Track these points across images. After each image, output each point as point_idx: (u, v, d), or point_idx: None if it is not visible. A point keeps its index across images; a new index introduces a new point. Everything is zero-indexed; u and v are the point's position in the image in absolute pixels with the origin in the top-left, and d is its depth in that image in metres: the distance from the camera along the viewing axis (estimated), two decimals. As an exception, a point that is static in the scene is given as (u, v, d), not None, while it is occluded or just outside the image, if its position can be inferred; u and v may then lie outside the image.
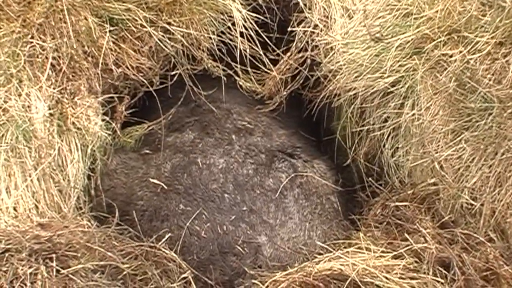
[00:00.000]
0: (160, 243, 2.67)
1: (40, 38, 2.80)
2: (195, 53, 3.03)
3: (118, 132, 2.98)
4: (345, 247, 2.71)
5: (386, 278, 2.47)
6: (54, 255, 2.48)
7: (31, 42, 2.79)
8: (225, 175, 2.88)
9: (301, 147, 3.14)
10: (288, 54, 3.15)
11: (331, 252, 2.68)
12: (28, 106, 2.75)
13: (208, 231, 2.76)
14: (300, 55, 3.12)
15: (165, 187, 2.85)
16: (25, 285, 2.37)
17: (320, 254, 2.73)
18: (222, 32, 3.03)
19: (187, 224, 2.76)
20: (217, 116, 3.14)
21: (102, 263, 2.54)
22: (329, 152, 3.34)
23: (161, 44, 2.92)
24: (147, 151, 3.01)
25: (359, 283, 2.46)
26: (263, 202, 2.85)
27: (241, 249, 2.74)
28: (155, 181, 2.87)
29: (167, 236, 2.72)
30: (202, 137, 3.02)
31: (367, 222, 2.85)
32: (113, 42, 2.88)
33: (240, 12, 2.98)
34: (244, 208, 2.82)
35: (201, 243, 2.75)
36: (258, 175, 2.91)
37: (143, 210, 2.86)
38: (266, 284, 2.57)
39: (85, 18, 2.81)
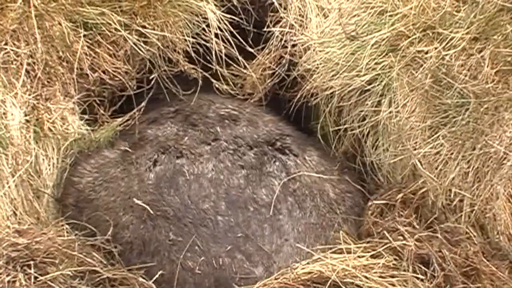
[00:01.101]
0: (151, 281, 2.56)
1: (14, 44, 2.79)
2: (171, 56, 3.01)
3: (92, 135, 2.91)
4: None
5: (366, 277, 2.48)
6: (32, 262, 2.47)
7: (5, 49, 2.78)
8: (216, 190, 2.70)
9: (289, 135, 3.00)
10: (264, 53, 3.13)
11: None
12: (4, 113, 2.74)
13: (202, 266, 2.58)
14: (275, 54, 3.10)
15: (152, 212, 2.63)
16: None
17: None
18: (198, 34, 3.02)
19: (180, 258, 2.58)
20: (199, 104, 3.03)
21: (81, 268, 2.53)
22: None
23: (136, 48, 2.91)
24: (127, 148, 2.85)
25: (340, 283, 2.47)
26: (258, 223, 2.68)
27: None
28: (140, 203, 2.65)
29: (158, 274, 2.58)
30: (186, 130, 2.88)
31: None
32: (88, 47, 2.87)
33: (215, 13, 2.97)
34: (239, 235, 2.64)
35: (195, 280, 2.59)
36: (250, 186, 2.74)
37: (130, 242, 2.65)
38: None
39: (59, 23, 2.80)
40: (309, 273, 2.54)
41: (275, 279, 2.54)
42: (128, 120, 2.95)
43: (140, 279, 2.56)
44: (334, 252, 2.65)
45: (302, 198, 2.78)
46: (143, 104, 2.96)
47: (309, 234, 2.73)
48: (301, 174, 2.83)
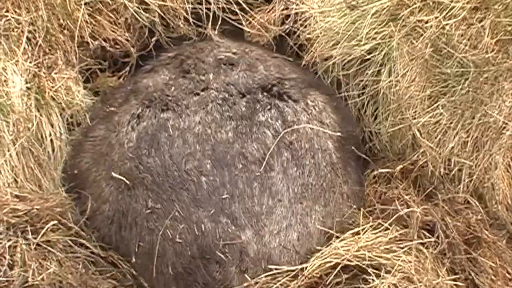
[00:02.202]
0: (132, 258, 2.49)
1: (15, 11, 2.78)
2: (172, 22, 2.99)
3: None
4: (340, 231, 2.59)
5: (377, 256, 2.45)
6: (32, 228, 2.48)
7: (6, 16, 2.76)
8: (202, 146, 2.48)
9: (292, 78, 2.78)
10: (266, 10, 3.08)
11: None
12: (5, 81, 2.73)
13: (183, 234, 2.41)
14: (278, 13, 3.05)
15: (128, 182, 2.48)
16: (4, 258, 2.39)
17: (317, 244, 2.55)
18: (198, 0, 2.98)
19: (159, 227, 2.44)
20: (201, 47, 2.87)
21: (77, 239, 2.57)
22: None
23: (137, 15, 2.89)
24: (112, 108, 2.70)
25: (356, 269, 2.45)
26: (246, 181, 2.46)
27: (222, 255, 2.40)
28: (117, 176, 2.49)
29: (137, 248, 2.48)
30: (176, 78, 2.70)
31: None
32: (89, 15, 2.86)
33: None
34: (224, 196, 2.43)
35: (176, 250, 2.42)
36: (239, 139, 2.52)
37: (110, 218, 2.54)
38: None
39: None
40: (319, 266, 2.45)
41: (283, 276, 2.44)
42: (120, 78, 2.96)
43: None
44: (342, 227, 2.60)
45: (300, 153, 2.56)
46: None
47: (307, 196, 2.52)
48: (300, 128, 2.61)
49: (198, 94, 2.61)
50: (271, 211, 2.45)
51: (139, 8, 2.90)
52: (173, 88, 2.64)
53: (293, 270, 2.44)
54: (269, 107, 2.60)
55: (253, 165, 2.48)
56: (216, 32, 2.99)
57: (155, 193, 2.45)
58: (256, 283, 2.40)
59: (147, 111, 2.59)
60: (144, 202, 2.45)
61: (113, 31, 2.92)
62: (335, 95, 2.90)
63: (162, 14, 2.95)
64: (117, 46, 2.94)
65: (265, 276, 2.42)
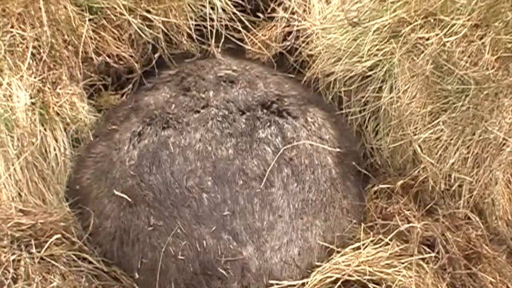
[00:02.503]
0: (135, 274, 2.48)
1: (20, 27, 2.78)
2: (175, 38, 2.99)
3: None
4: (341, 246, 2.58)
5: (378, 271, 2.46)
6: (36, 242, 2.47)
7: (11, 32, 2.77)
8: (203, 163, 2.46)
9: (291, 96, 2.75)
10: (268, 27, 3.09)
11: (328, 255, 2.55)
12: (10, 96, 2.73)
13: (185, 250, 2.39)
14: (280, 30, 3.05)
15: (130, 200, 2.46)
16: (8, 271, 2.37)
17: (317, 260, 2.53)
18: (202, 17, 2.98)
19: (162, 243, 2.42)
20: (202, 65, 2.84)
21: (80, 254, 2.56)
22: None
23: (141, 32, 2.90)
24: (114, 126, 2.66)
25: (357, 284, 2.45)
26: (247, 197, 2.44)
27: (224, 272, 2.37)
28: (119, 193, 2.47)
29: (139, 264, 2.46)
30: (177, 95, 2.67)
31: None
32: (93, 31, 2.86)
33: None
34: (226, 212, 2.41)
35: (179, 266, 2.40)
36: (240, 156, 2.49)
37: (112, 234, 2.52)
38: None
39: (64, 7, 2.79)
40: (321, 281, 2.44)
41: None
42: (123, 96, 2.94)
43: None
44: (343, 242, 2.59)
45: (300, 169, 2.53)
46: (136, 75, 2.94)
47: (308, 212, 2.50)
48: (300, 144, 2.59)
49: (198, 111, 2.59)
50: (272, 226, 2.44)
51: (142, 25, 2.91)
52: (173, 105, 2.62)
53: (294, 285, 2.43)
54: (268, 124, 2.58)
55: (253, 181, 2.46)
56: (219, 49, 2.99)
57: (157, 210, 2.43)
58: None
59: (148, 129, 2.56)
60: (146, 219, 2.44)
61: (117, 47, 2.91)
62: (335, 111, 2.88)
63: (166, 31, 2.96)
64: (121, 62, 2.94)
65: None
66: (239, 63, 2.85)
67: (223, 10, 2.96)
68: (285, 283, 2.42)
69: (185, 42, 3.01)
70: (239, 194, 2.43)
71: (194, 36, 3.01)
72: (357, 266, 2.45)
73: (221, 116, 2.56)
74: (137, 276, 2.46)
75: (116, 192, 2.48)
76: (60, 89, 2.83)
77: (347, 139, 2.81)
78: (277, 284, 2.41)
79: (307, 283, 2.44)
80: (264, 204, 2.44)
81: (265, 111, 2.61)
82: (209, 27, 2.98)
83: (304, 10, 3.02)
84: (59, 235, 2.53)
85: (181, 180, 2.43)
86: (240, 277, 2.39)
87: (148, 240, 2.42)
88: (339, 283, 2.43)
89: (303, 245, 2.48)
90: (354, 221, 2.65)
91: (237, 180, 2.44)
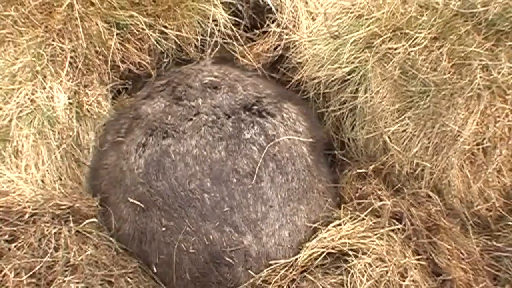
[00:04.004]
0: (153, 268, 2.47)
1: (59, 41, 2.79)
2: (186, 49, 2.97)
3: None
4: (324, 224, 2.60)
5: (358, 242, 2.48)
6: (73, 218, 2.49)
7: (52, 45, 2.78)
8: (201, 167, 2.42)
9: (267, 95, 2.67)
10: (262, 40, 3.08)
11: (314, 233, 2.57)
12: (51, 97, 2.76)
13: (195, 244, 2.37)
14: (272, 42, 3.04)
15: (142, 206, 2.44)
16: (51, 242, 2.40)
17: (305, 239, 2.56)
18: (206, 31, 2.97)
19: (174, 241, 2.40)
20: (188, 73, 2.74)
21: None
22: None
23: (157, 45, 2.90)
24: (120, 138, 2.61)
25: (339, 254, 2.48)
26: (241, 194, 2.41)
27: (230, 260, 2.38)
28: (133, 201, 2.44)
29: (157, 259, 2.45)
30: (171, 105, 2.59)
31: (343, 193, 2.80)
32: (119, 43, 2.86)
33: (222, 15, 2.94)
34: (226, 209, 2.38)
35: (191, 258, 2.39)
36: (231, 157, 2.44)
37: (131, 235, 2.50)
38: None
39: (96, 24, 2.78)
40: (310, 256, 2.46)
41: (280, 269, 2.44)
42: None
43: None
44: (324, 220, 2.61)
45: (283, 163, 2.50)
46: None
47: (293, 198, 2.49)
48: (280, 141, 2.54)
49: (191, 119, 2.53)
50: (265, 216, 2.42)
51: (159, 37, 2.90)
52: (170, 116, 2.54)
53: (289, 262, 2.45)
54: (252, 124, 2.52)
55: (245, 178, 2.42)
56: (211, 56, 3.00)
57: (167, 212, 2.40)
58: (260, 277, 2.42)
59: (150, 139, 2.51)
60: (158, 221, 2.41)
61: (138, 56, 2.91)
62: (304, 104, 2.86)
63: (178, 42, 2.94)
64: (141, 68, 2.94)
65: (267, 271, 2.42)
66: (219, 69, 2.79)
67: (224, 26, 2.95)
68: (282, 261, 2.44)
69: (192, 51, 2.99)
70: (234, 191, 2.40)
71: (199, 47, 3.02)
72: (339, 240, 2.47)
73: (211, 122, 2.51)
74: (155, 270, 2.45)
75: (130, 200, 2.45)
76: (90, 90, 2.85)
77: (315, 127, 2.78)
78: (274, 263, 2.43)
79: (298, 258, 2.46)
80: (256, 198, 2.41)
81: (247, 113, 2.55)
82: (208, 40, 2.99)
83: (294, 26, 3.01)
84: (94, 219, 2.56)
85: (185, 184, 2.40)
86: (243, 262, 2.39)
87: (163, 239, 2.40)
88: (324, 254, 2.45)
89: (292, 228, 2.48)
90: (330, 200, 2.65)
91: (232, 179, 2.41)
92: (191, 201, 2.37)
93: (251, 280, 2.40)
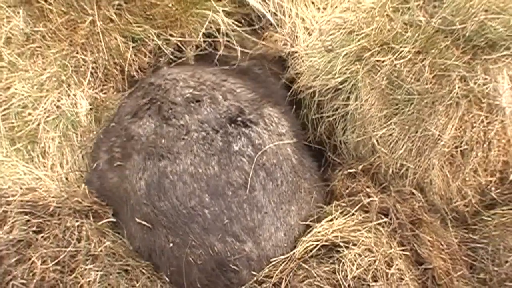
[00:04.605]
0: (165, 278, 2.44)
1: (82, 53, 2.80)
2: (187, 53, 2.96)
3: None
4: (318, 220, 2.58)
5: (349, 235, 2.47)
6: (93, 214, 2.51)
7: (76, 57, 2.80)
8: (198, 184, 2.34)
9: (247, 100, 2.54)
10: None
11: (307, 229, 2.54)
12: (75, 104, 2.78)
13: (201, 256, 2.33)
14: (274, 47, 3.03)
15: (149, 225, 2.38)
16: (74, 234, 2.41)
17: (299, 234, 2.53)
18: (209, 36, 2.96)
19: (182, 255, 2.36)
20: (165, 88, 2.54)
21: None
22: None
23: (166, 51, 2.89)
24: (119, 163, 2.49)
25: (331, 246, 2.47)
26: (237, 205, 2.34)
27: (235, 266, 2.34)
28: (140, 221, 2.39)
29: (168, 271, 2.41)
30: (161, 126, 2.44)
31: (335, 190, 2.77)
32: (134, 54, 2.86)
33: (224, 22, 2.92)
34: (225, 221, 2.32)
35: (199, 268, 2.35)
36: (224, 171, 2.36)
37: (142, 251, 2.46)
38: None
39: (115, 38, 2.79)
40: (306, 249, 2.44)
41: (279, 264, 2.42)
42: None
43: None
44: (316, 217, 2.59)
45: (272, 170, 2.42)
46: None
47: (284, 201, 2.44)
48: (266, 147, 2.45)
49: (183, 139, 2.40)
50: (261, 222, 2.38)
51: (167, 45, 2.89)
52: (163, 139, 2.41)
53: (287, 257, 2.44)
54: (239, 136, 2.42)
55: (239, 190, 2.35)
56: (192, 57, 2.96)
57: (172, 230, 2.34)
58: (262, 274, 2.41)
59: (148, 163, 2.39)
60: (165, 238, 2.36)
61: (148, 63, 2.92)
62: (281, 103, 2.75)
63: (181, 46, 2.94)
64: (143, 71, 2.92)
65: (268, 267, 2.41)
66: (191, 76, 2.60)
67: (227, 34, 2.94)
68: (281, 257, 2.43)
69: (189, 51, 2.96)
70: (231, 203, 2.34)
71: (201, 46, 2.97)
72: (331, 233, 2.47)
73: (201, 139, 2.39)
74: (168, 280, 2.44)
75: (138, 220, 2.40)
76: (108, 97, 2.86)
77: (294, 123, 2.72)
78: (274, 260, 2.42)
79: (296, 251, 2.45)
80: (252, 207, 2.36)
81: (233, 125, 2.44)
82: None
83: (292, 40, 3.01)
84: (112, 219, 2.55)
85: (185, 202, 2.33)
86: (247, 266, 2.37)
87: (171, 253, 2.36)
88: (318, 246, 2.45)
89: (287, 228, 2.46)
90: (316, 196, 2.62)
91: (227, 191, 2.34)
92: (193, 217, 2.32)
93: (255, 278, 2.39)
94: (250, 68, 2.94)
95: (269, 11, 3.05)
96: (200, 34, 2.91)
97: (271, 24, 3.06)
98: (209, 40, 2.91)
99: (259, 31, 3.05)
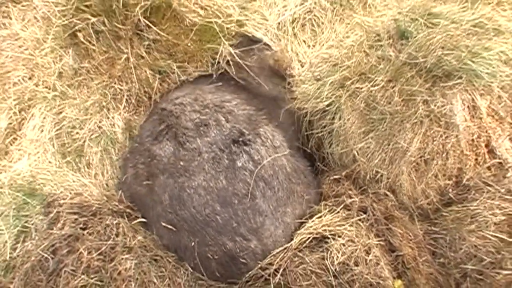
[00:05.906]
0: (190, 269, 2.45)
1: (119, 84, 2.83)
2: (195, 68, 2.90)
3: None
4: (310, 217, 2.56)
5: (337, 229, 2.48)
6: (125, 214, 2.52)
7: (114, 87, 2.83)
8: (211, 196, 2.37)
9: (243, 120, 2.52)
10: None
11: (301, 224, 2.53)
12: (113, 124, 2.81)
13: (217, 253, 2.37)
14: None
15: (174, 229, 2.42)
16: (113, 230, 2.43)
17: (294, 229, 2.52)
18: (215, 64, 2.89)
19: (202, 252, 2.39)
20: (176, 114, 2.54)
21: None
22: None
23: (179, 72, 2.85)
24: (149, 182, 2.50)
25: (321, 238, 2.47)
26: (243, 211, 2.37)
27: (244, 260, 2.39)
28: (166, 225, 2.43)
29: (193, 264, 2.43)
30: (178, 149, 2.46)
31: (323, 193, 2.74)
32: (160, 84, 2.85)
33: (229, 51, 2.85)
34: (234, 225, 2.36)
35: (217, 263, 2.39)
36: (230, 184, 2.39)
37: (170, 248, 2.47)
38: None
39: (145, 71, 2.80)
40: (300, 241, 2.45)
41: (277, 255, 2.42)
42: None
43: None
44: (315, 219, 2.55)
45: (269, 180, 2.43)
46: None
47: (280, 205, 2.46)
48: (264, 163, 2.44)
49: (196, 160, 2.42)
50: (263, 224, 2.41)
51: (184, 74, 2.86)
52: (181, 161, 2.43)
53: (285, 248, 2.45)
54: (241, 154, 2.43)
55: (243, 199, 2.38)
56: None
57: (192, 232, 2.39)
58: (265, 262, 2.43)
59: (171, 180, 2.42)
60: (188, 239, 2.41)
61: (169, 89, 2.87)
62: (273, 114, 2.67)
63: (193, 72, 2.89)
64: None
65: (270, 257, 2.43)
66: (195, 100, 2.58)
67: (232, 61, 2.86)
68: (280, 248, 2.45)
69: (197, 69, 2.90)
70: (238, 210, 2.38)
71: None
72: (321, 227, 2.47)
73: (211, 159, 2.41)
74: (191, 270, 2.46)
75: (164, 224, 2.44)
76: (139, 119, 2.86)
77: (286, 131, 2.68)
78: (275, 251, 2.45)
79: (292, 243, 2.46)
80: (254, 212, 2.39)
81: (236, 145, 2.45)
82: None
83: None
84: (143, 219, 2.53)
85: (202, 211, 2.37)
86: (253, 260, 2.42)
87: (193, 250, 2.40)
88: (310, 238, 2.46)
89: (284, 226, 2.48)
90: (307, 197, 2.61)
91: (234, 201, 2.38)
92: (208, 223, 2.36)
93: (259, 265, 2.42)
94: (245, 79, 2.87)
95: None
96: (210, 67, 2.89)
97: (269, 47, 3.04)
98: (216, 67, 2.86)
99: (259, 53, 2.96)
